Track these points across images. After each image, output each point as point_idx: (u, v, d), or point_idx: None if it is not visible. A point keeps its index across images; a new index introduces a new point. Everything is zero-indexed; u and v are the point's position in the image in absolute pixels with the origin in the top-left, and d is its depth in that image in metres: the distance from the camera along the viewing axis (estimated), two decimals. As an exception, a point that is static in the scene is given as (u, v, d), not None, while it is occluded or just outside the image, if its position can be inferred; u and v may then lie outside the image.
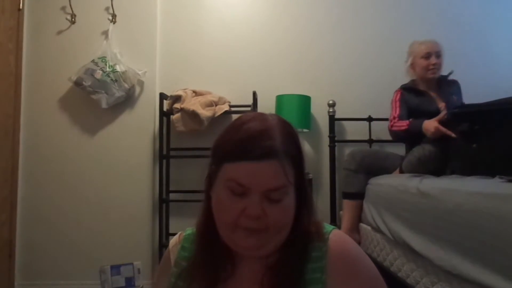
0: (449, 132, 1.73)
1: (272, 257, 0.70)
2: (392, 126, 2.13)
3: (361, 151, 2.19)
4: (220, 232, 0.69)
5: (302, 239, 0.71)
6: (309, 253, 0.70)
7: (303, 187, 0.71)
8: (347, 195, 2.12)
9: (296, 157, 0.69)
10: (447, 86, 2.20)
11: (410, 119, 2.03)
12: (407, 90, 2.21)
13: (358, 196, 2.05)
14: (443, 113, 1.83)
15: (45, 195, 2.43)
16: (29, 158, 2.46)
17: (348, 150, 2.61)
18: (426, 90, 2.19)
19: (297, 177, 0.69)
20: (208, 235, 0.73)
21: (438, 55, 2.16)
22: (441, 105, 2.05)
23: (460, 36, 2.76)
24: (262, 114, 0.73)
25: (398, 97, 2.21)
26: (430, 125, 1.83)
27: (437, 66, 2.15)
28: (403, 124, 2.05)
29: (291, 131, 0.71)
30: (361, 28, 2.73)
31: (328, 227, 0.75)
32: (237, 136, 0.67)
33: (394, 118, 2.14)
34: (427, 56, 2.15)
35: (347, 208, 2.10)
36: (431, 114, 1.94)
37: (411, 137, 2.01)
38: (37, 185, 2.44)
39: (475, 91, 2.63)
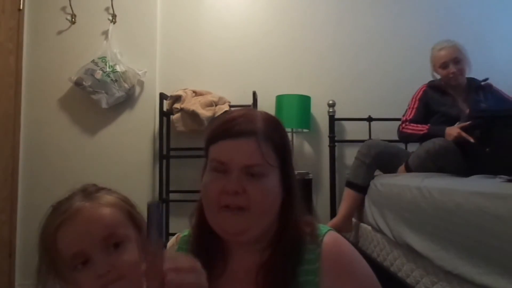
0: (469, 137, 1.71)
1: (264, 253, 0.70)
2: (403, 128, 2.10)
3: (378, 145, 2.05)
4: (208, 217, 0.71)
5: (293, 236, 0.71)
6: (302, 255, 0.70)
7: (289, 177, 0.73)
8: (351, 185, 2.04)
9: (278, 144, 0.72)
10: (476, 91, 2.12)
11: (429, 124, 2.00)
12: (433, 88, 2.15)
13: (362, 189, 2.00)
14: (466, 123, 1.78)
15: (45, 195, 2.43)
16: (29, 158, 2.46)
17: (348, 150, 2.62)
18: (452, 93, 2.12)
19: (281, 164, 0.72)
20: (200, 230, 0.75)
21: (457, 61, 2.08)
22: (466, 111, 1.96)
23: (459, 37, 2.73)
24: (251, 109, 0.76)
25: (420, 95, 2.16)
26: (453, 130, 1.80)
27: (458, 73, 2.08)
28: (422, 129, 2.00)
29: (276, 121, 0.75)
30: (361, 28, 2.73)
31: (323, 228, 0.75)
32: (221, 121, 0.74)
33: (406, 120, 2.10)
34: (445, 65, 2.09)
35: (347, 197, 2.04)
36: (451, 118, 1.93)
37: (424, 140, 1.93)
38: (37, 185, 2.44)
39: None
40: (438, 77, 2.19)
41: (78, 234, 0.61)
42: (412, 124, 2.07)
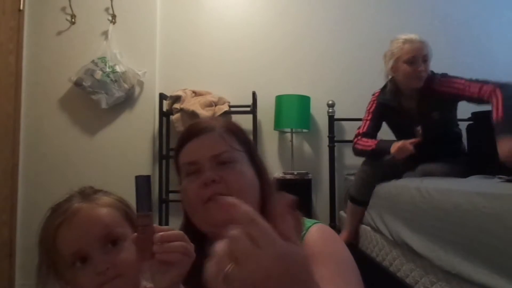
0: (410, 148, 1.66)
1: None
2: (355, 143, 1.95)
3: (382, 165, 1.87)
4: (195, 220, 0.72)
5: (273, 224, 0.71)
6: None
7: (258, 164, 0.77)
8: (355, 201, 1.96)
9: (239, 136, 0.76)
10: (429, 96, 1.82)
11: (377, 140, 1.89)
12: (384, 105, 1.96)
13: (366, 203, 1.91)
14: (416, 139, 1.70)
15: (45, 195, 2.43)
16: (29, 158, 2.46)
17: (347, 150, 2.62)
18: (405, 106, 1.91)
19: (247, 151, 0.75)
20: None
21: (425, 59, 1.80)
22: (417, 129, 1.82)
23: (458, 38, 2.76)
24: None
25: (372, 107, 1.99)
26: (399, 143, 1.69)
27: (425, 73, 1.79)
28: (371, 144, 1.86)
29: (234, 122, 0.81)
30: (361, 28, 2.73)
31: (308, 222, 0.75)
32: (184, 130, 0.78)
33: (359, 134, 1.95)
34: (412, 61, 1.78)
35: (353, 212, 1.99)
36: (410, 135, 1.79)
37: (375, 156, 1.86)
38: (37, 185, 2.44)
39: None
40: (389, 77, 1.95)
41: (77, 234, 0.63)
42: (363, 139, 1.92)
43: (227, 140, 0.73)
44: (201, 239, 0.73)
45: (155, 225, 0.55)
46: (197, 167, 0.71)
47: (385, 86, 2.00)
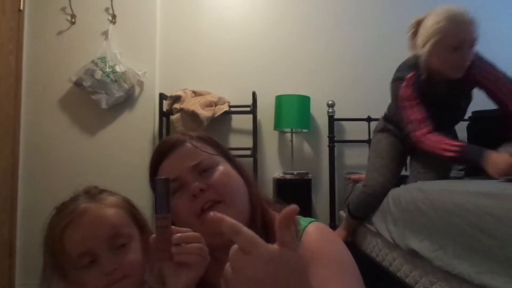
0: None
1: None
2: (420, 136, 1.43)
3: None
4: None
5: (263, 224, 0.71)
6: None
7: (238, 167, 0.76)
8: (354, 216, 1.85)
9: (211, 142, 0.77)
10: (462, 83, 1.50)
11: (464, 142, 1.45)
12: (421, 87, 1.49)
13: (364, 219, 1.83)
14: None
15: (45, 195, 2.43)
16: (29, 158, 2.46)
17: (347, 150, 2.62)
18: (433, 90, 1.52)
19: (224, 156, 0.75)
20: None
21: (473, 44, 1.42)
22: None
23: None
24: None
25: (410, 90, 1.50)
26: (501, 159, 1.21)
27: (468, 63, 1.44)
28: (450, 147, 1.35)
29: (201, 132, 0.81)
30: (361, 28, 2.73)
31: (304, 222, 0.74)
32: (154, 153, 0.77)
33: (420, 121, 1.45)
34: (458, 46, 1.39)
35: (350, 223, 1.92)
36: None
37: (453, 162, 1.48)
38: (37, 185, 2.44)
39: (476, 92, 2.63)
40: (421, 58, 1.50)
41: (85, 234, 0.63)
42: (435, 136, 1.41)
43: (201, 147, 0.73)
44: None
45: (173, 226, 0.55)
46: (180, 183, 0.70)
47: (414, 65, 1.57)
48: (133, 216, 0.69)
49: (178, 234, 0.54)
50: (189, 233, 0.56)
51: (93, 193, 0.69)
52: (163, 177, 0.55)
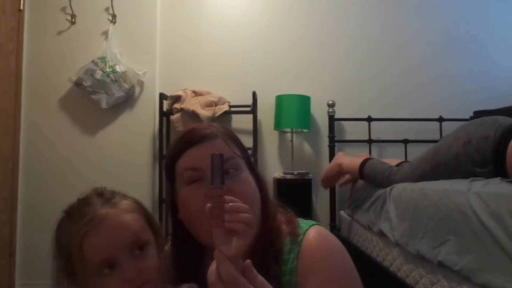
0: None
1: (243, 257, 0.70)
2: None
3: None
4: (199, 233, 0.70)
5: (271, 233, 0.71)
6: (282, 255, 0.69)
7: (256, 173, 0.76)
8: (362, 175, 1.86)
9: (239, 143, 0.75)
10: None
11: None
12: None
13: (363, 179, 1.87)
14: None
15: (45, 195, 2.44)
16: (29, 158, 2.46)
17: (347, 150, 2.61)
18: None
19: (246, 159, 0.74)
20: (176, 247, 0.76)
21: None
22: None
23: (458, 38, 2.76)
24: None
25: None
26: None
27: None
28: None
29: (232, 131, 0.79)
30: (361, 28, 2.73)
31: (304, 225, 0.73)
32: (180, 137, 0.75)
33: None
34: None
35: (354, 174, 1.95)
36: None
37: None
38: (37, 185, 2.44)
39: (474, 97, 2.64)
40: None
41: (106, 241, 0.63)
42: None
43: (231, 145, 0.72)
44: (199, 251, 0.72)
45: (226, 196, 0.57)
46: (201, 174, 0.69)
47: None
48: (148, 220, 0.69)
49: (231, 204, 0.56)
50: (239, 203, 0.58)
51: (107, 197, 0.68)
52: (218, 153, 0.58)
